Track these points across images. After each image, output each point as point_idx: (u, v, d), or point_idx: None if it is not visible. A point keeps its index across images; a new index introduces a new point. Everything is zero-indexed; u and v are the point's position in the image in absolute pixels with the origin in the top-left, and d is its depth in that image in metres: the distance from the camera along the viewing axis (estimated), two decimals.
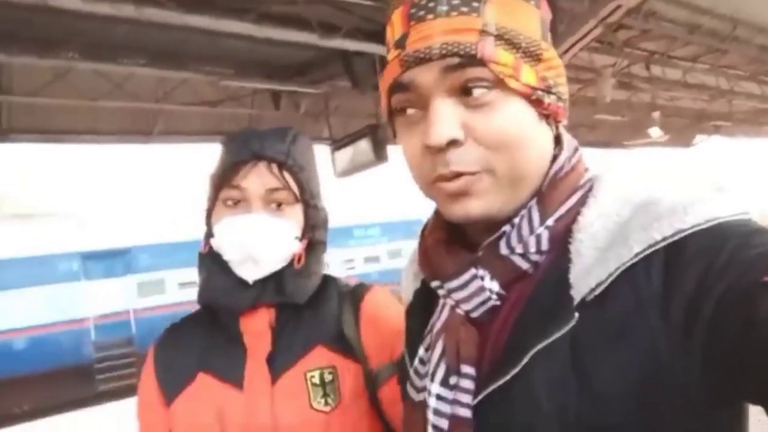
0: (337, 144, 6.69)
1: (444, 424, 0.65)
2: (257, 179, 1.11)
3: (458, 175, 0.62)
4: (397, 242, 17.33)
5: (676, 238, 0.56)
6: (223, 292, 1.12)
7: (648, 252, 0.56)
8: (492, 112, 0.62)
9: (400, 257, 17.37)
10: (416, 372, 0.73)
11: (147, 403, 1.18)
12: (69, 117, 6.40)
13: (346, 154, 6.54)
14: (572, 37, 4.64)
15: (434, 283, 0.70)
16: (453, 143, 0.61)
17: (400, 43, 0.65)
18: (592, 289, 0.57)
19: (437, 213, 0.75)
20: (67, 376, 12.60)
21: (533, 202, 0.66)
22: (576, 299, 0.58)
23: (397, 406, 1.05)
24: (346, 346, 1.13)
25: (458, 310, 0.68)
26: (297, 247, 1.15)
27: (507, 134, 0.62)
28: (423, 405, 0.69)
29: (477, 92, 0.61)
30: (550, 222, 0.65)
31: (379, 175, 6.86)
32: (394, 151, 6.22)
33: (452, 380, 0.65)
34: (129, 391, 12.31)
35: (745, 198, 0.60)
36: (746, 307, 0.49)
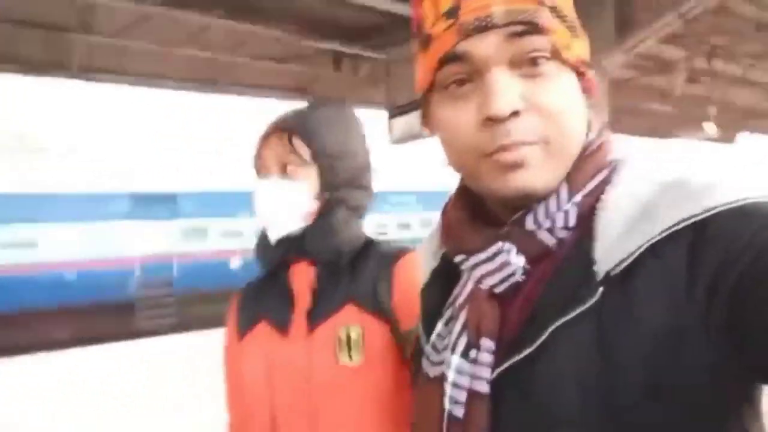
0: (395, 111, 6.70)
1: (462, 396, 0.64)
2: (270, 148, 1.25)
3: (518, 145, 0.61)
4: (431, 212, 17.48)
5: (702, 216, 0.55)
6: (257, 250, 1.30)
7: (674, 229, 0.56)
8: (548, 83, 0.61)
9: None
10: (433, 347, 0.72)
11: (229, 341, 1.34)
12: (144, 60, 6.56)
13: (402, 122, 6.56)
14: (650, 28, 4.62)
15: (458, 257, 0.69)
16: (514, 114, 0.60)
17: (453, 14, 0.62)
18: (617, 264, 0.57)
19: (459, 192, 0.74)
20: (110, 310, 12.99)
21: (562, 179, 0.65)
22: (600, 275, 0.57)
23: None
24: (377, 306, 1.18)
25: (482, 285, 0.67)
26: (311, 205, 1.24)
27: (564, 104, 0.62)
28: (440, 379, 0.68)
29: (537, 62, 0.61)
30: (577, 198, 0.64)
31: (419, 145, 6.85)
32: None
33: (472, 354, 0.65)
34: (165, 329, 12.71)
35: None
36: (766, 286, 0.49)
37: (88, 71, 6.25)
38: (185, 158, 14.74)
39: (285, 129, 1.24)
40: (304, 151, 1.23)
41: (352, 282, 1.21)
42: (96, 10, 5.83)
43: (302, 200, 1.23)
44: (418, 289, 1.15)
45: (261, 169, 1.26)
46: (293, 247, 1.23)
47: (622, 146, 0.69)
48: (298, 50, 7.07)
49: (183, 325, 12.52)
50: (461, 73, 0.63)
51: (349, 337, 1.15)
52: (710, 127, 8.01)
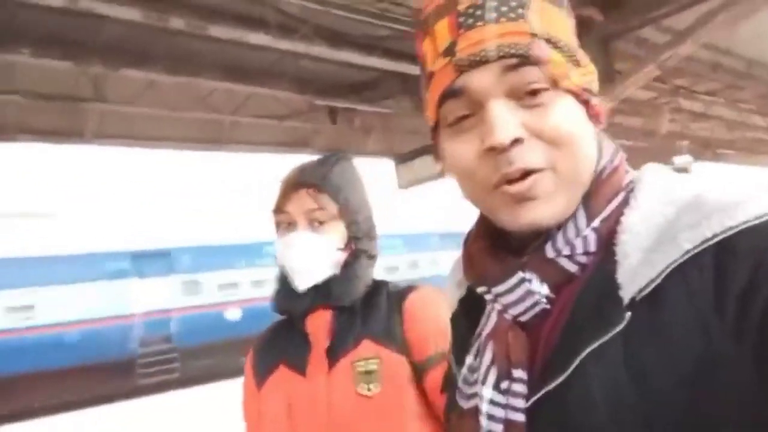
0: (400, 159, 6.99)
1: (497, 428, 0.62)
2: (298, 203, 1.28)
3: (525, 173, 0.60)
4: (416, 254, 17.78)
5: (726, 235, 0.53)
6: (282, 300, 1.33)
7: (698, 250, 0.54)
8: (548, 111, 0.61)
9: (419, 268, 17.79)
10: (465, 380, 0.71)
11: (248, 393, 1.38)
12: (152, 125, 6.73)
13: (409, 168, 6.82)
14: (634, 77, 5.03)
15: (481, 289, 0.68)
16: (516, 141, 0.60)
17: (449, 51, 0.63)
18: (642, 289, 0.55)
19: (480, 221, 0.73)
20: (111, 369, 12.70)
21: (579, 204, 0.64)
22: (625, 299, 0.56)
23: (440, 397, 1.20)
24: (391, 339, 1.24)
25: (506, 315, 0.66)
26: (339, 256, 1.30)
27: (567, 131, 0.61)
28: (474, 412, 0.66)
29: (535, 92, 0.61)
30: (596, 223, 0.63)
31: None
32: None
33: (504, 385, 0.63)
34: (168, 385, 12.45)
35: None
36: None
37: (100, 137, 6.38)
38: (181, 215, 14.75)
39: (311, 185, 1.29)
40: (331, 207, 1.29)
41: (365, 320, 1.28)
42: (107, 79, 5.99)
43: (331, 252, 1.29)
44: (428, 320, 1.22)
45: (287, 221, 1.30)
46: (320, 295, 1.28)
47: (638, 168, 0.69)
48: (296, 107, 7.33)
49: (185, 380, 12.30)
50: (462, 108, 0.63)
51: (367, 369, 1.21)
52: (683, 159, 8.45)
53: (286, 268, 1.30)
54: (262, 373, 1.33)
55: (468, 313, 0.77)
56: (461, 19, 0.63)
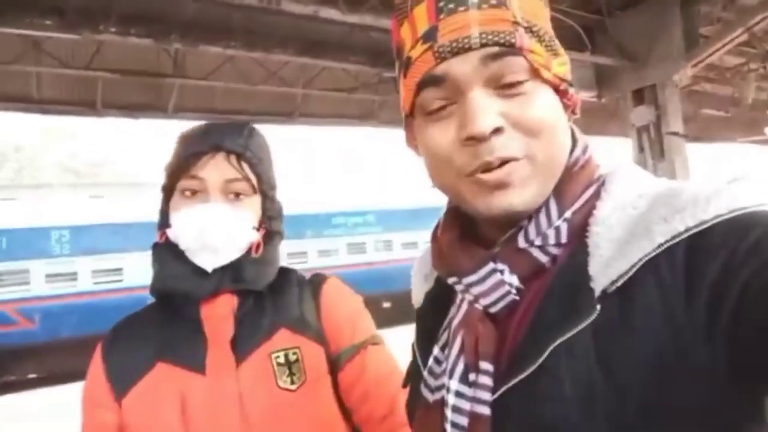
0: None
1: (464, 421, 0.61)
2: (216, 170, 1.08)
3: (503, 162, 0.59)
4: None
5: (699, 228, 0.52)
6: (179, 280, 1.08)
7: (671, 243, 0.53)
8: (528, 102, 0.59)
9: None
10: (431, 372, 0.69)
11: (93, 401, 1.10)
12: (229, 98, 6.93)
13: None
14: (719, 42, 4.73)
15: (451, 280, 0.66)
16: (496, 131, 0.58)
17: (430, 37, 0.60)
18: (614, 281, 0.54)
19: (449, 213, 0.71)
20: None
21: (551, 195, 0.63)
22: (597, 291, 0.55)
23: (354, 389, 1.12)
24: (308, 329, 1.11)
25: (477, 306, 0.64)
26: (254, 236, 1.12)
27: (546, 122, 0.60)
28: (439, 404, 0.65)
29: (516, 82, 0.59)
30: (568, 214, 0.62)
31: None
32: None
33: (471, 377, 0.62)
34: None
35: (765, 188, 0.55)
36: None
37: (180, 111, 6.63)
38: None
39: (232, 152, 1.10)
40: (252, 179, 1.11)
41: (277, 307, 1.13)
42: (187, 55, 6.19)
43: (249, 231, 1.11)
44: (344, 311, 1.16)
45: (194, 189, 1.09)
46: (228, 278, 1.09)
47: (608, 163, 0.68)
48: (365, 80, 7.34)
49: None
50: (440, 96, 0.61)
51: (288, 360, 1.08)
52: None
53: (190, 243, 1.08)
54: (127, 379, 1.08)
55: (435, 306, 0.75)
56: (442, 4, 0.61)
